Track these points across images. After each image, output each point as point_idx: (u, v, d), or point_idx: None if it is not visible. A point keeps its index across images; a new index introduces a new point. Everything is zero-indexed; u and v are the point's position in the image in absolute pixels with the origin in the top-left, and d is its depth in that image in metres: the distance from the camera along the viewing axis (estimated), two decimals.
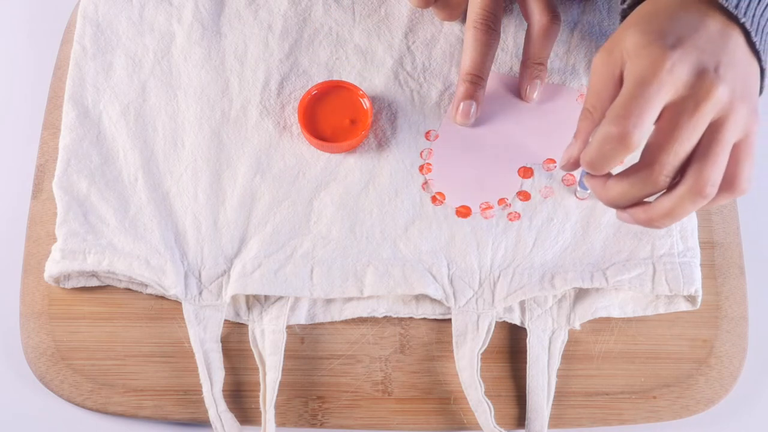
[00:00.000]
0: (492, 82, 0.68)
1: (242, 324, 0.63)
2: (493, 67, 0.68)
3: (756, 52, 0.53)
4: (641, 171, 0.52)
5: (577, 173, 0.65)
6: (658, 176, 0.51)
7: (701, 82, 0.50)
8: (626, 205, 0.55)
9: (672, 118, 0.51)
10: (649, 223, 0.54)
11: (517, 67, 0.69)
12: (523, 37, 0.67)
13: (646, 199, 0.54)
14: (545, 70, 0.66)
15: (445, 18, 0.68)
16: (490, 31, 0.64)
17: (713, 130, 0.51)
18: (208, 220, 0.64)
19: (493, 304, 0.62)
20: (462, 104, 0.65)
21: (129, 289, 0.64)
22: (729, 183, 0.52)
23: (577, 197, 0.65)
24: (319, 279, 0.62)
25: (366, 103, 0.66)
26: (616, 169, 0.54)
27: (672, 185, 0.52)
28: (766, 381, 0.65)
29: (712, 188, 0.51)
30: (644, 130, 0.51)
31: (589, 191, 0.64)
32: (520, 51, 0.68)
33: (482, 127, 0.67)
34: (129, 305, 0.63)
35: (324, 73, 0.68)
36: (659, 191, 0.53)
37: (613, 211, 0.64)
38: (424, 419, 0.62)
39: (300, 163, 0.65)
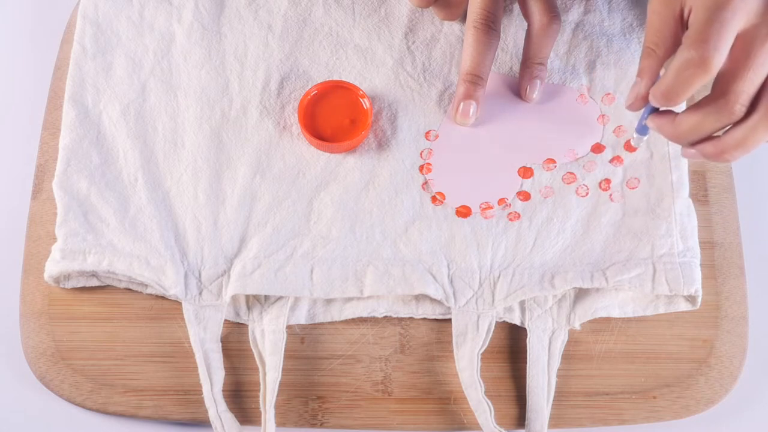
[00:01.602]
0: (492, 82, 0.68)
1: (242, 324, 0.63)
2: (493, 67, 0.68)
3: None
4: (715, 102, 0.52)
5: (626, 125, 0.66)
6: (733, 105, 0.51)
7: None
8: (696, 140, 0.55)
9: (745, 45, 0.51)
10: (719, 156, 0.54)
11: (517, 67, 0.68)
12: (523, 37, 0.67)
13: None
14: (545, 69, 0.66)
15: (445, 18, 0.68)
16: (490, 31, 0.64)
17: None
18: (208, 220, 0.64)
19: (493, 304, 0.62)
20: (462, 104, 0.65)
21: (129, 289, 0.64)
22: None
23: (631, 145, 0.65)
24: (319, 279, 0.62)
25: (366, 103, 0.66)
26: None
27: (742, 117, 0.52)
28: (766, 381, 0.65)
29: None
30: (723, 54, 0.51)
31: (646, 136, 0.62)
32: (520, 51, 0.68)
33: (482, 127, 0.67)
34: (129, 305, 0.63)
35: (324, 73, 0.68)
36: (733, 122, 0.53)
37: (613, 211, 0.64)
38: (424, 419, 0.62)
39: (300, 163, 0.65)
